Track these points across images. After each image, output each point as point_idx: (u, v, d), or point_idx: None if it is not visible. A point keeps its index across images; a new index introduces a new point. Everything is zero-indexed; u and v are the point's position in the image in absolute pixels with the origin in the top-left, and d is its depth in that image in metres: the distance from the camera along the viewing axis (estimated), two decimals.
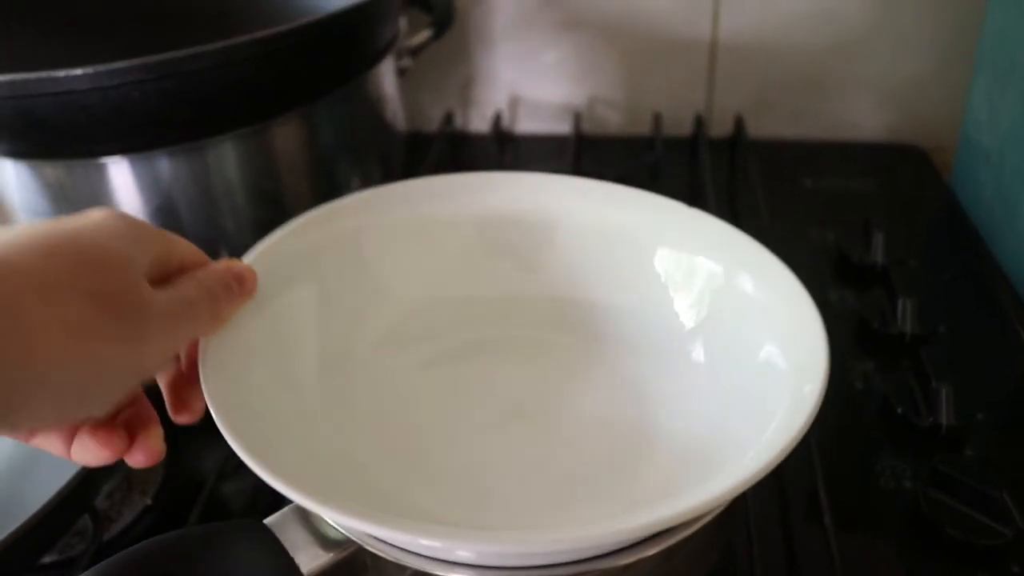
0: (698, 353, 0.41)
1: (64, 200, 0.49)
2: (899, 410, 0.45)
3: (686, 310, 0.42)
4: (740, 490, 0.27)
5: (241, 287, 0.35)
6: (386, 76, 0.61)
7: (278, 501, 0.29)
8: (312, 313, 0.40)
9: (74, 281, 0.26)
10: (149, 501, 0.43)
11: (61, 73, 0.42)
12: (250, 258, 0.38)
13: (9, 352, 0.23)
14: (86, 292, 0.26)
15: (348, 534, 0.31)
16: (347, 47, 0.54)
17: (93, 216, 0.28)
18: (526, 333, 0.45)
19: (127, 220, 0.29)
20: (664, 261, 0.44)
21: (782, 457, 0.28)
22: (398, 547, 0.30)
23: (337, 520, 0.30)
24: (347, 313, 0.42)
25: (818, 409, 0.30)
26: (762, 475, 0.28)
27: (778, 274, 0.38)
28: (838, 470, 0.42)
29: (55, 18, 0.65)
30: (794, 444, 0.29)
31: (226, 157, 0.50)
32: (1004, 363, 0.49)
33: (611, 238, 0.45)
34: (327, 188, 0.56)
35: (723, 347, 0.40)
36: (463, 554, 0.30)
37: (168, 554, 0.29)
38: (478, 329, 0.44)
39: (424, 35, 0.68)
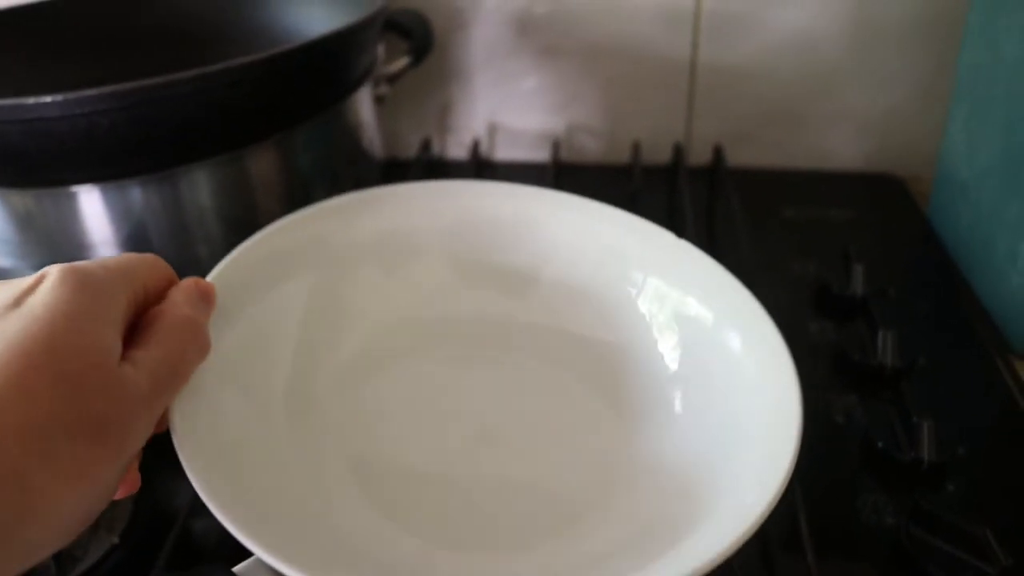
0: (677, 397, 0.40)
1: (32, 229, 0.48)
2: (880, 444, 0.44)
3: (669, 350, 0.42)
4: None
5: (207, 305, 0.34)
6: (363, 103, 0.60)
7: None
8: (285, 327, 0.40)
9: (64, 415, 0.25)
10: (116, 539, 0.41)
11: (31, 100, 0.41)
12: (218, 271, 0.38)
13: (17, 525, 0.23)
14: (75, 421, 0.25)
15: None
16: (325, 74, 0.54)
17: (53, 294, 0.27)
18: (502, 356, 0.44)
19: (86, 283, 0.27)
20: (653, 295, 0.43)
21: (735, 548, 0.28)
22: None
23: None
24: (319, 332, 0.41)
25: (773, 507, 0.30)
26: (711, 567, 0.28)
27: (766, 333, 0.38)
28: (819, 505, 0.42)
29: (45, 41, 0.64)
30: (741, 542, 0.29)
31: (200, 185, 0.49)
32: (984, 396, 0.49)
33: (596, 261, 0.45)
34: None
35: (702, 395, 0.39)
36: None
37: None
38: (454, 350, 0.44)
39: (402, 62, 0.67)
